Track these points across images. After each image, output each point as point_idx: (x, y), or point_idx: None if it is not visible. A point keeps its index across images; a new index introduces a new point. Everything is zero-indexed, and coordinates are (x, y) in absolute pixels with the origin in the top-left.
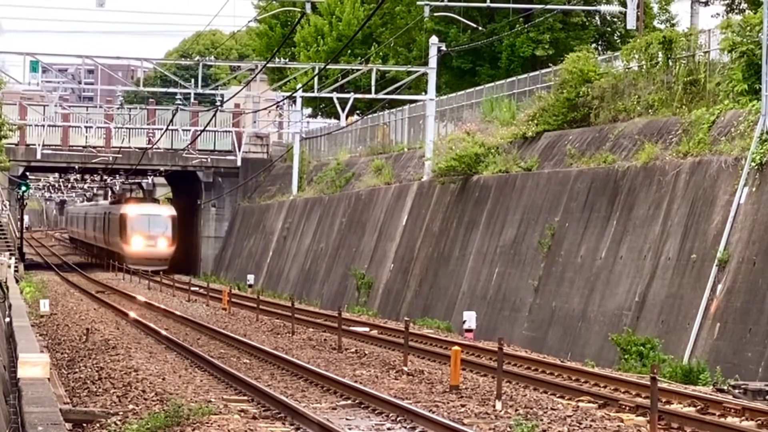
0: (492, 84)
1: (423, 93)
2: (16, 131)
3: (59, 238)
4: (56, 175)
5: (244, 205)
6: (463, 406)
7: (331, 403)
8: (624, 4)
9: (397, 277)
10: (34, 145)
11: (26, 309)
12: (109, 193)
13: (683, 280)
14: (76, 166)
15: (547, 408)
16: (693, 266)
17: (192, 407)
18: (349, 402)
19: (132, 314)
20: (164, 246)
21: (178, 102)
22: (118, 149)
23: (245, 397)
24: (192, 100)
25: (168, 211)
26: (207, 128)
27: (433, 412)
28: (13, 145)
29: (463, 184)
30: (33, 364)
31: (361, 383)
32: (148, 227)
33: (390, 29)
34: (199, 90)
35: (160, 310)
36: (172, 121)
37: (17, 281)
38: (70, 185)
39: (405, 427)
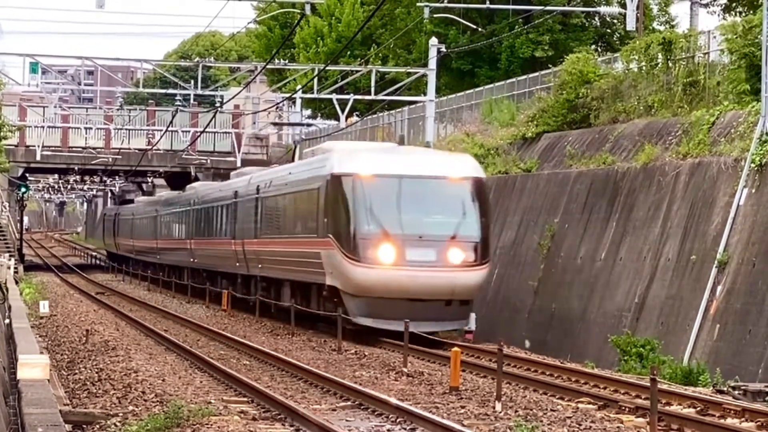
0: (492, 85)
1: (422, 94)
2: (16, 132)
3: (59, 239)
4: (56, 176)
5: None
6: (462, 407)
7: (331, 404)
8: (624, 6)
9: None
10: (34, 146)
11: (26, 310)
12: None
13: (683, 281)
14: (76, 168)
15: (546, 409)
16: (693, 267)
17: (192, 408)
18: (349, 403)
19: None
20: (460, 258)
21: (178, 103)
22: (117, 150)
23: (245, 399)
24: (192, 101)
25: (465, 168)
26: (207, 129)
27: (433, 414)
28: (13, 147)
29: None
30: (33, 366)
31: (360, 384)
32: (421, 211)
33: (390, 30)
34: (199, 91)
35: None
36: (171, 122)
37: (17, 282)
38: (69, 186)
39: (405, 429)
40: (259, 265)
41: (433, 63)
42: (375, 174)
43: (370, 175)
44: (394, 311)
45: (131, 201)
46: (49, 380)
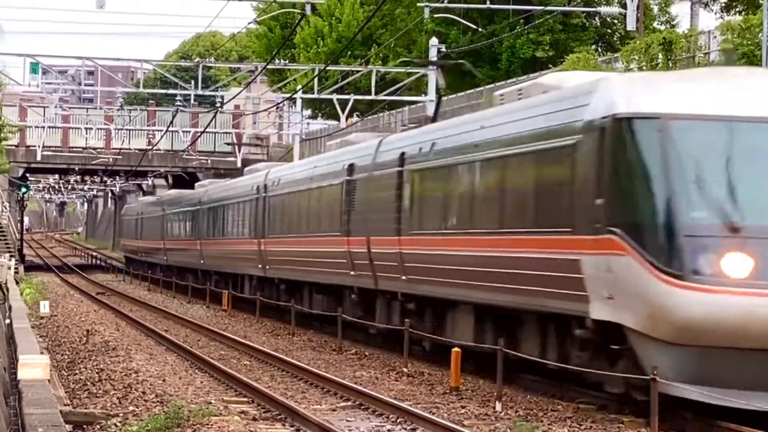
0: (492, 85)
1: (423, 94)
2: (17, 133)
3: (59, 240)
4: (56, 176)
5: None
6: (463, 407)
7: (332, 404)
8: (624, 6)
9: None
10: (34, 146)
11: (26, 310)
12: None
13: None
14: (76, 168)
15: (547, 409)
16: None
17: (192, 409)
18: (349, 403)
19: None
20: None
21: (178, 103)
22: (118, 151)
23: (245, 399)
24: (192, 101)
25: None
26: (207, 130)
27: (433, 414)
28: (14, 147)
29: None
30: (33, 366)
31: (361, 384)
32: None
33: (390, 30)
34: (199, 91)
35: None
36: (172, 122)
37: (17, 283)
38: (70, 187)
39: (405, 429)
40: (404, 276)
41: None
42: (706, 115)
43: (698, 115)
44: (743, 373)
45: (154, 195)
46: (49, 380)
